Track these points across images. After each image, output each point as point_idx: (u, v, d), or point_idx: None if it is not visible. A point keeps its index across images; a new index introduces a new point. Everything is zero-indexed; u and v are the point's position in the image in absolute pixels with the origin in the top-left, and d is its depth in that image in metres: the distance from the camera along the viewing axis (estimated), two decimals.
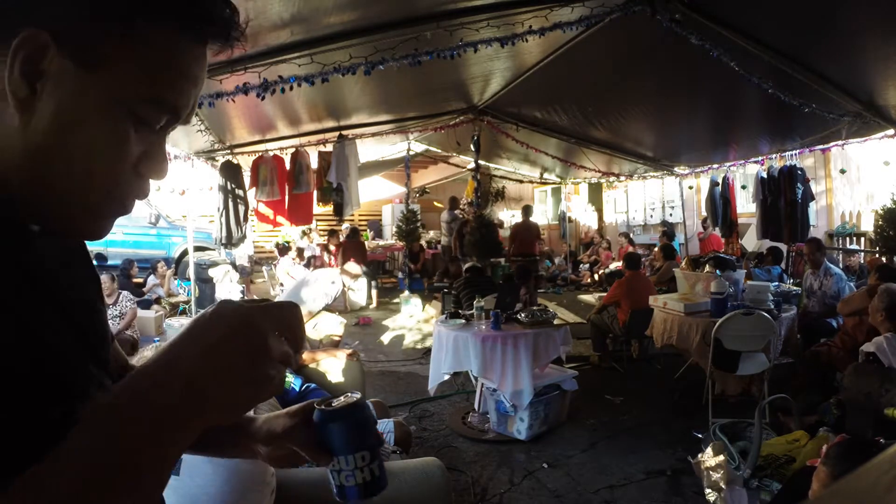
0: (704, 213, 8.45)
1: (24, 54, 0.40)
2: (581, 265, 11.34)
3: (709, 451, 2.21)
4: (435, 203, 13.26)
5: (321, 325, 4.81)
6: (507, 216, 12.97)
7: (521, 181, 11.61)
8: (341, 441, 0.59)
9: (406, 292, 8.39)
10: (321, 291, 4.75)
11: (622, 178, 9.38)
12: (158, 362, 0.40)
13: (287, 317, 0.44)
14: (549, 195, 14.18)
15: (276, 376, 0.42)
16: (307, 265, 8.45)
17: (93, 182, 0.45)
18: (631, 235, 10.76)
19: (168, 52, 0.44)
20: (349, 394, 0.63)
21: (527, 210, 9.00)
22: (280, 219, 6.64)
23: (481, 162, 7.92)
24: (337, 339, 4.85)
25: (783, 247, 6.65)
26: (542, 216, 14.29)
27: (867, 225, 7.41)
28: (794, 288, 4.94)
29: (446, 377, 3.96)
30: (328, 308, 4.95)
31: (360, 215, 12.73)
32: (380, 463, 0.61)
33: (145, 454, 0.38)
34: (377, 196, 12.41)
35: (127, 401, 0.38)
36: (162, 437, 0.38)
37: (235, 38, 0.48)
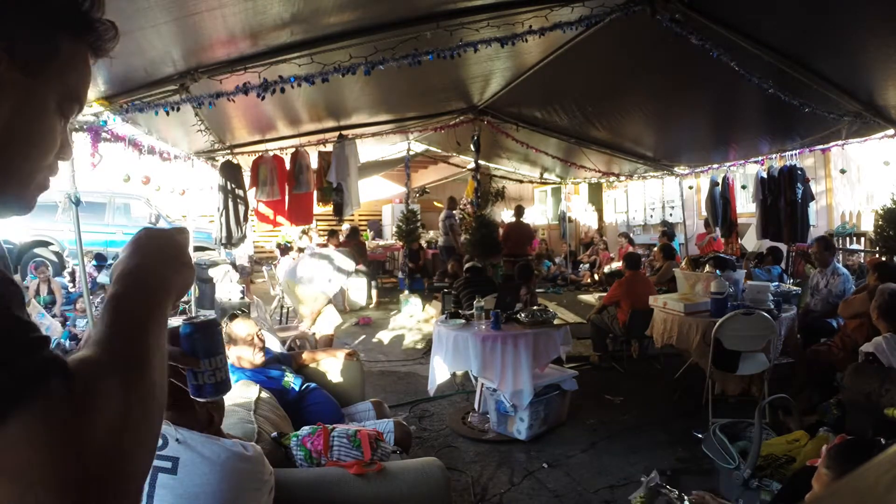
0: (704, 214, 8.44)
1: None
2: (581, 265, 11.34)
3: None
4: (435, 203, 13.26)
5: (321, 321, 4.82)
6: (508, 216, 12.97)
7: (521, 181, 11.60)
8: (204, 347, 0.77)
9: (406, 292, 8.39)
10: (319, 290, 4.76)
11: (622, 178, 9.38)
12: (127, 273, 0.57)
13: (188, 236, 0.68)
14: (549, 195, 14.18)
15: (193, 267, 0.65)
16: None
17: (37, 166, 0.57)
18: (631, 235, 10.76)
19: (81, 62, 0.58)
20: (203, 314, 0.81)
21: (519, 210, 8.99)
22: (280, 219, 6.64)
23: (481, 162, 7.91)
24: (329, 336, 4.86)
25: (783, 247, 6.65)
26: (542, 216, 14.29)
27: (867, 225, 7.40)
28: (794, 288, 4.94)
29: (446, 377, 3.96)
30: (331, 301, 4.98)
31: (360, 215, 12.72)
32: (227, 368, 0.79)
33: (147, 330, 0.54)
34: (377, 196, 12.41)
35: (123, 292, 0.55)
36: (153, 312, 0.56)
37: (111, 51, 0.61)
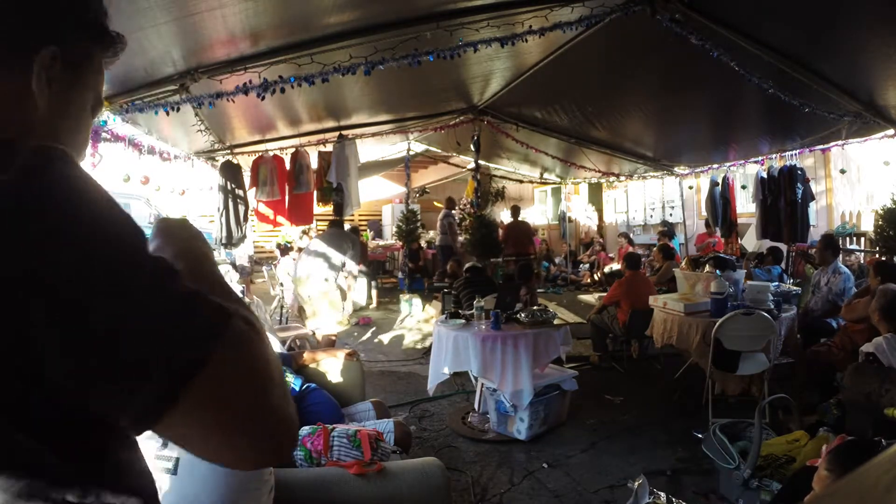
0: (704, 214, 8.44)
1: (47, 66, 0.58)
2: (581, 265, 11.34)
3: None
4: (435, 203, 13.24)
5: (325, 320, 4.83)
6: (507, 216, 12.97)
7: (521, 181, 11.60)
8: None
9: (406, 292, 8.39)
10: (329, 277, 4.77)
11: (622, 178, 9.38)
12: (179, 254, 0.64)
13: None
14: (549, 195, 14.17)
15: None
16: None
17: (80, 154, 0.65)
18: (631, 235, 10.76)
19: (101, 68, 0.67)
20: None
21: (515, 210, 8.99)
22: (280, 219, 6.64)
23: (481, 162, 7.91)
24: (333, 338, 4.86)
25: (783, 247, 6.65)
26: (542, 216, 14.28)
27: (867, 225, 7.40)
28: (794, 288, 4.94)
29: (446, 377, 3.96)
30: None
31: (360, 215, 12.71)
32: None
33: (231, 289, 0.63)
34: (377, 196, 12.40)
35: (192, 267, 0.62)
36: (213, 270, 0.65)
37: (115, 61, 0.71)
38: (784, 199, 5.91)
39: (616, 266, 9.29)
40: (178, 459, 1.38)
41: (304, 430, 2.16)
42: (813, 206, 6.33)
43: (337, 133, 6.20)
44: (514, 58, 4.82)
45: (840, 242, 7.49)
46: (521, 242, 8.39)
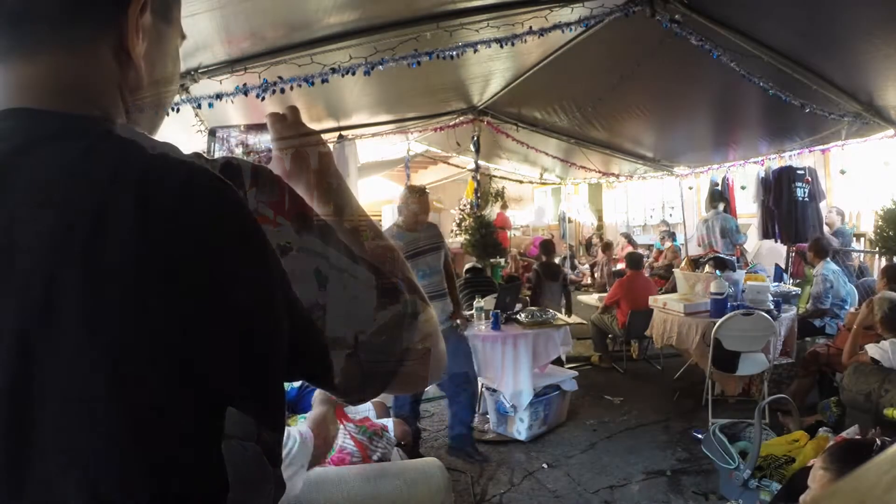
0: (704, 214, 8.42)
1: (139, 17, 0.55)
2: (582, 265, 11.33)
3: None
4: (435, 203, 13.24)
5: None
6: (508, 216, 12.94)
7: (521, 181, 11.59)
8: None
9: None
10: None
11: (622, 178, 9.38)
12: None
13: None
14: (549, 195, 14.16)
15: None
16: None
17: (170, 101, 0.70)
18: (632, 236, 10.74)
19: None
20: None
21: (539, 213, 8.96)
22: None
23: (481, 162, 7.91)
24: None
25: (783, 247, 6.65)
26: (542, 216, 14.27)
27: (867, 225, 7.39)
28: (794, 288, 4.94)
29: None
30: None
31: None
32: None
33: None
34: (377, 196, 12.40)
35: None
36: None
37: None
38: (784, 198, 5.92)
39: (616, 266, 9.27)
40: None
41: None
42: (822, 205, 6.35)
43: (337, 133, 6.20)
44: (513, 58, 4.82)
45: (840, 243, 7.49)
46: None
